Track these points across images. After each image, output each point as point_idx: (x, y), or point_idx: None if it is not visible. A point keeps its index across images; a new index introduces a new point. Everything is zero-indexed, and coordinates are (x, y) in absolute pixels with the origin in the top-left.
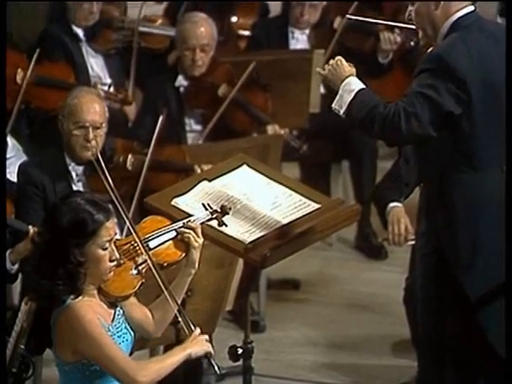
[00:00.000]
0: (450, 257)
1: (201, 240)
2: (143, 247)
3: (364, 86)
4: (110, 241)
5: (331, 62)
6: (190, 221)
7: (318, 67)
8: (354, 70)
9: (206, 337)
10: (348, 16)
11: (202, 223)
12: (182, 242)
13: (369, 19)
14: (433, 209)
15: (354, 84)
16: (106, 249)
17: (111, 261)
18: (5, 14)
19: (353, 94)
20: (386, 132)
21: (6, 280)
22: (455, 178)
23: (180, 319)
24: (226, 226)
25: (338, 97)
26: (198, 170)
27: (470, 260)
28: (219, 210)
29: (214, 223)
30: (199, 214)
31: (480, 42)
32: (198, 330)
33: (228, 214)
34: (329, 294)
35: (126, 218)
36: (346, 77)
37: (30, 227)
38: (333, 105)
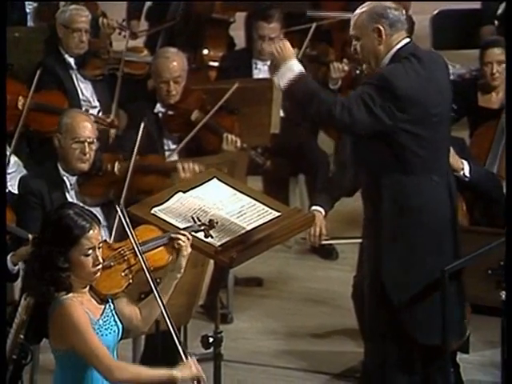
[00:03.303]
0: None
1: (189, 249)
2: (141, 255)
3: (304, 71)
4: (92, 248)
5: (277, 43)
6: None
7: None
8: (294, 54)
9: (197, 366)
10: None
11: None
12: (171, 248)
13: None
14: (373, 211)
15: (297, 66)
16: (88, 255)
17: (95, 265)
18: (5, 45)
19: (294, 74)
20: (321, 114)
21: (8, 279)
22: (388, 180)
23: (179, 347)
24: (213, 237)
25: (279, 72)
26: (180, 167)
27: (390, 253)
28: (207, 224)
29: (201, 235)
30: (187, 226)
31: (417, 70)
32: (191, 359)
33: (214, 227)
34: (288, 289)
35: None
36: (290, 59)
37: (30, 235)
38: (274, 78)
